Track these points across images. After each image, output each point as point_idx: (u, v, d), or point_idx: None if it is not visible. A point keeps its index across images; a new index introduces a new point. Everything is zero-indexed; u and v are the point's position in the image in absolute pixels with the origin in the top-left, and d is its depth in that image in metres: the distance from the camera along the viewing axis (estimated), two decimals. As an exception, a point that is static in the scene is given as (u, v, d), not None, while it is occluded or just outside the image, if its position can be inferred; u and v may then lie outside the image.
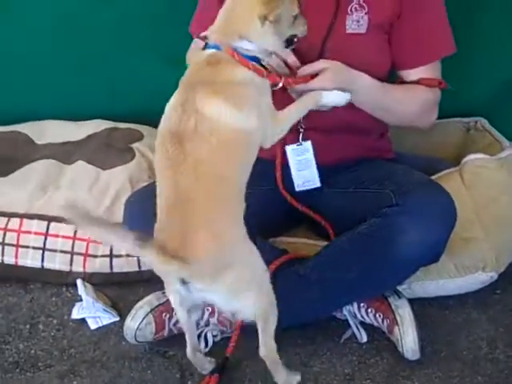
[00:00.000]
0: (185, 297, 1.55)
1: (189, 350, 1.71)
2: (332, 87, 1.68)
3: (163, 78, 2.42)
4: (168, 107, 1.58)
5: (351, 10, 1.84)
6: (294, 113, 1.66)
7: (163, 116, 1.58)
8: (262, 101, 1.57)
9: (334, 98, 1.70)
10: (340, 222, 1.88)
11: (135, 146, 2.37)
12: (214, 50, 1.56)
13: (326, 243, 1.90)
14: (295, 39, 1.63)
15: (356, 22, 1.84)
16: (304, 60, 1.72)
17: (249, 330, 1.67)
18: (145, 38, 2.43)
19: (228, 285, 1.50)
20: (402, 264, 1.76)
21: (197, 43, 2.01)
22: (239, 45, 1.55)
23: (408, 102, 1.90)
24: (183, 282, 1.50)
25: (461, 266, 1.98)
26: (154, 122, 2.48)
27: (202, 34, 1.61)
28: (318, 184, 1.89)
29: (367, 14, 1.83)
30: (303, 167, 1.88)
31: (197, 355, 1.73)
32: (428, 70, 1.91)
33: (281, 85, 1.63)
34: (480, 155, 2.13)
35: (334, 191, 1.93)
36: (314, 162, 1.88)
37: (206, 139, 1.49)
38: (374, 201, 1.79)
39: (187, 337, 1.70)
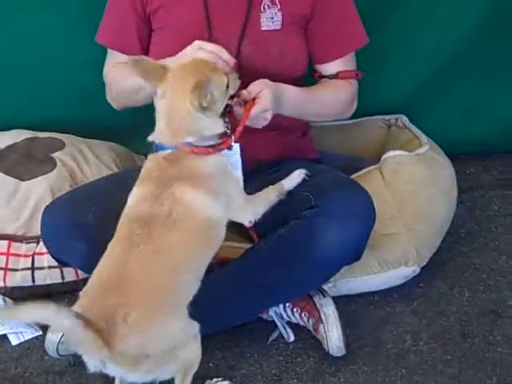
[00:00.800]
0: (102, 370, 1.48)
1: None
2: (271, 106, 1.69)
3: (83, 84, 2.42)
4: (134, 198, 1.58)
5: (264, 8, 1.85)
6: (266, 201, 1.71)
7: (128, 205, 1.58)
8: (230, 185, 1.63)
9: (294, 181, 1.77)
10: (263, 225, 1.86)
11: (56, 155, 2.31)
12: (170, 151, 1.58)
13: (250, 246, 1.90)
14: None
15: (270, 18, 1.86)
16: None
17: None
18: (63, 44, 2.37)
19: (146, 370, 1.47)
20: (323, 264, 1.77)
21: (113, 56, 2.00)
22: (191, 140, 1.57)
23: (332, 103, 1.96)
24: (102, 361, 1.44)
25: (384, 262, 2.01)
26: (76, 130, 2.50)
27: (150, 139, 1.61)
28: None
29: (280, 11, 1.85)
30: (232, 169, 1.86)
31: None
32: (344, 63, 1.95)
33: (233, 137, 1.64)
34: (398, 152, 2.17)
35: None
36: (239, 165, 1.83)
37: (178, 225, 1.50)
38: (295, 203, 1.79)
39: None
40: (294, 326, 1.90)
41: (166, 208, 1.52)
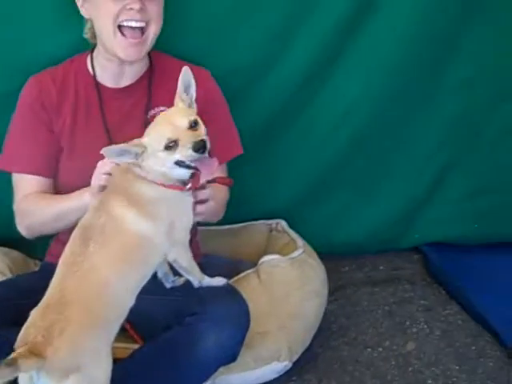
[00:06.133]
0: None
1: None
2: None
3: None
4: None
5: None
6: (190, 262, 1.91)
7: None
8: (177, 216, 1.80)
9: (214, 283, 1.98)
10: (147, 327, 2.03)
11: None
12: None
13: (137, 346, 2.06)
14: None
15: None
16: None
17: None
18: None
19: None
20: (202, 366, 1.95)
21: (25, 182, 2.08)
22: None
23: (222, 206, 2.19)
24: (37, 371, 1.59)
25: (259, 359, 2.20)
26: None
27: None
28: None
29: None
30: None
31: None
32: (221, 169, 2.17)
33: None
34: (274, 256, 2.42)
35: (142, 297, 2.08)
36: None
37: (108, 242, 1.68)
38: (179, 308, 1.97)
39: None
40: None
41: (101, 221, 1.69)
